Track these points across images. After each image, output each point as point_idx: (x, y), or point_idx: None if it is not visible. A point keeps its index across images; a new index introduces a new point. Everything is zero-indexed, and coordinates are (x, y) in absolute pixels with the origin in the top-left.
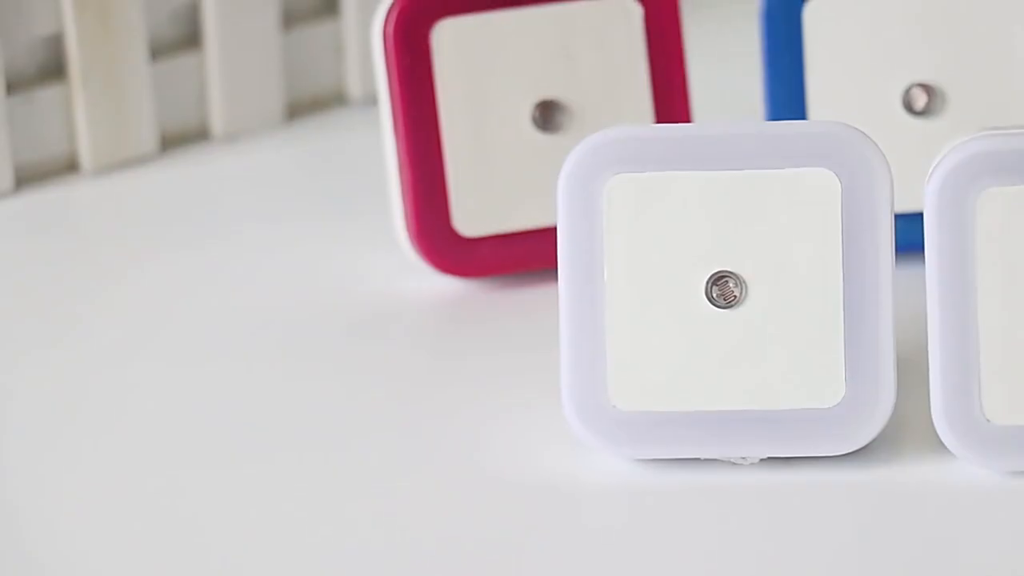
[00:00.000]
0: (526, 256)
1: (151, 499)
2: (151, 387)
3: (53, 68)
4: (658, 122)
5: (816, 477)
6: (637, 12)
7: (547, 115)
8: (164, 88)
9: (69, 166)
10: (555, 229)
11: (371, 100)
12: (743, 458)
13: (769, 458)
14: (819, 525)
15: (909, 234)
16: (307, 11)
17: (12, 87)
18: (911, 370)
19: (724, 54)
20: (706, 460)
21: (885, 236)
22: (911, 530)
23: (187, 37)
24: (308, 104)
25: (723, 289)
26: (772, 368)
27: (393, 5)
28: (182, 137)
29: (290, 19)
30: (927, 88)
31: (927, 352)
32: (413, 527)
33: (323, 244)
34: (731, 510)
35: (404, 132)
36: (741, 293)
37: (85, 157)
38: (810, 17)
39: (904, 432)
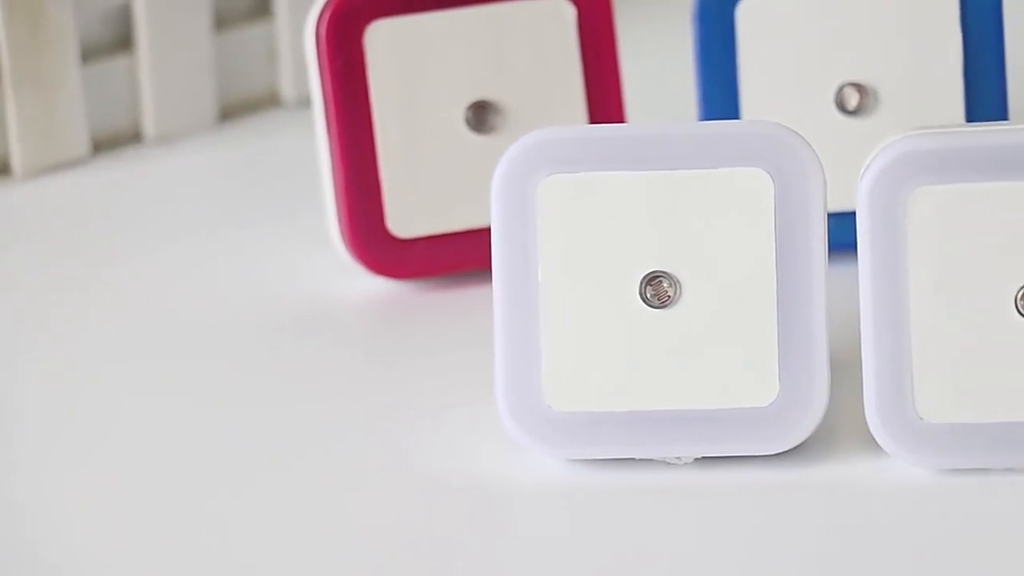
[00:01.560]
0: (461, 257)
1: (89, 510)
2: (77, 395)
3: None
4: (592, 122)
5: (751, 476)
6: (570, 12)
7: (480, 116)
8: (96, 91)
9: (0, 170)
10: (490, 230)
11: (304, 102)
12: (677, 458)
13: (704, 458)
14: (754, 524)
15: (842, 233)
16: (239, 13)
17: None
18: (845, 369)
19: (657, 54)
20: (641, 460)
21: (818, 235)
22: (845, 528)
23: (119, 39)
24: (241, 106)
25: (657, 289)
26: (706, 368)
27: (326, 6)
28: (114, 140)
29: (222, 21)
30: (859, 87)
31: (861, 350)
32: (348, 528)
33: (257, 246)
34: (666, 510)
35: (337, 134)
36: (675, 293)
37: (16, 160)
38: (743, 17)
39: (838, 431)
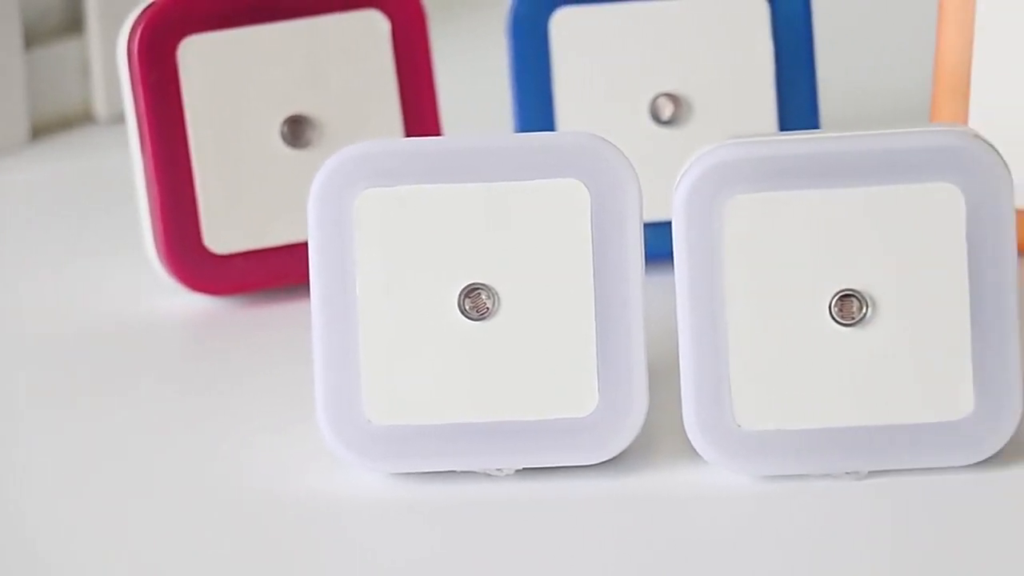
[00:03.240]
0: (279, 272)
1: None
2: None
3: None
4: (408, 136)
5: (572, 486)
6: (385, 26)
7: (296, 131)
8: None
9: None
10: (307, 245)
11: (118, 118)
12: (499, 469)
13: (525, 469)
14: (576, 534)
15: (659, 243)
16: (50, 29)
17: None
18: (663, 378)
19: (472, 67)
20: (462, 472)
21: (634, 245)
22: (667, 536)
23: None
24: (54, 123)
25: (476, 301)
26: (525, 379)
27: (138, 22)
28: None
29: (32, 37)
30: (673, 98)
31: (679, 359)
32: (166, 545)
33: (73, 264)
34: (487, 522)
35: (151, 150)
36: (493, 305)
37: None
38: (556, 29)
39: (658, 440)
